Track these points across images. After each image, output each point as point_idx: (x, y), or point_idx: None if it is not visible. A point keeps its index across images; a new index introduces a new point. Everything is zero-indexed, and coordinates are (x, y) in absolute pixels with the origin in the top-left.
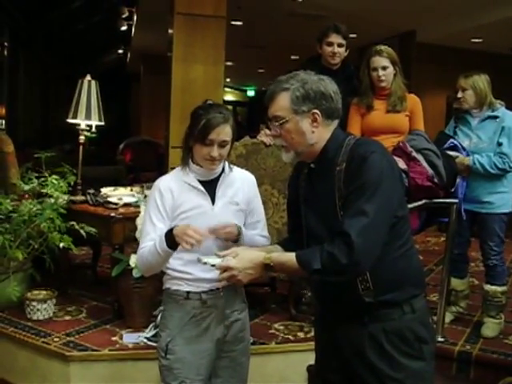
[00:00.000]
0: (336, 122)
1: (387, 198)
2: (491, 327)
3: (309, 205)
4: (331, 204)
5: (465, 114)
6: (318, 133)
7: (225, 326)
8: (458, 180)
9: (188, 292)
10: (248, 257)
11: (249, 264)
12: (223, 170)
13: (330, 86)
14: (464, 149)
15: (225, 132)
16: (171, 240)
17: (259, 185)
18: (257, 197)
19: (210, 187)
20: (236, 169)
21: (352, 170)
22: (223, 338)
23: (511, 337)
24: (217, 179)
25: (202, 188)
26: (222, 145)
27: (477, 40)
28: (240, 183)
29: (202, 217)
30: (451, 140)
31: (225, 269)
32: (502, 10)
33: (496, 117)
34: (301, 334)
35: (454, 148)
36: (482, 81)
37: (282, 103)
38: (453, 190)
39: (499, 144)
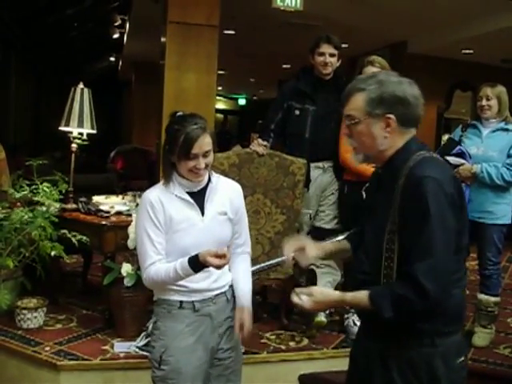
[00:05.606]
0: (413, 131)
1: (447, 230)
2: (482, 337)
3: (368, 210)
4: (384, 216)
5: (476, 122)
6: (390, 139)
7: (219, 335)
8: None
9: (181, 301)
10: (322, 298)
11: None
12: (209, 179)
13: (409, 89)
14: (470, 157)
15: (205, 142)
16: (197, 265)
17: (252, 194)
18: (243, 206)
19: (198, 198)
20: (222, 178)
21: (408, 193)
22: (217, 346)
23: (502, 346)
24: (204, 189)
25: (191, 200)
26: (205, 155)
27: (468, 51)
28: (227, 192)
29: (193, 229)
30: (459, 147)
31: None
32: (492, 22)
33: (508, 130)
34: (292, 344)
35: (461, 155)
36: (505, 93)
37: (356, 103)
38: None
39: (509, 156)
